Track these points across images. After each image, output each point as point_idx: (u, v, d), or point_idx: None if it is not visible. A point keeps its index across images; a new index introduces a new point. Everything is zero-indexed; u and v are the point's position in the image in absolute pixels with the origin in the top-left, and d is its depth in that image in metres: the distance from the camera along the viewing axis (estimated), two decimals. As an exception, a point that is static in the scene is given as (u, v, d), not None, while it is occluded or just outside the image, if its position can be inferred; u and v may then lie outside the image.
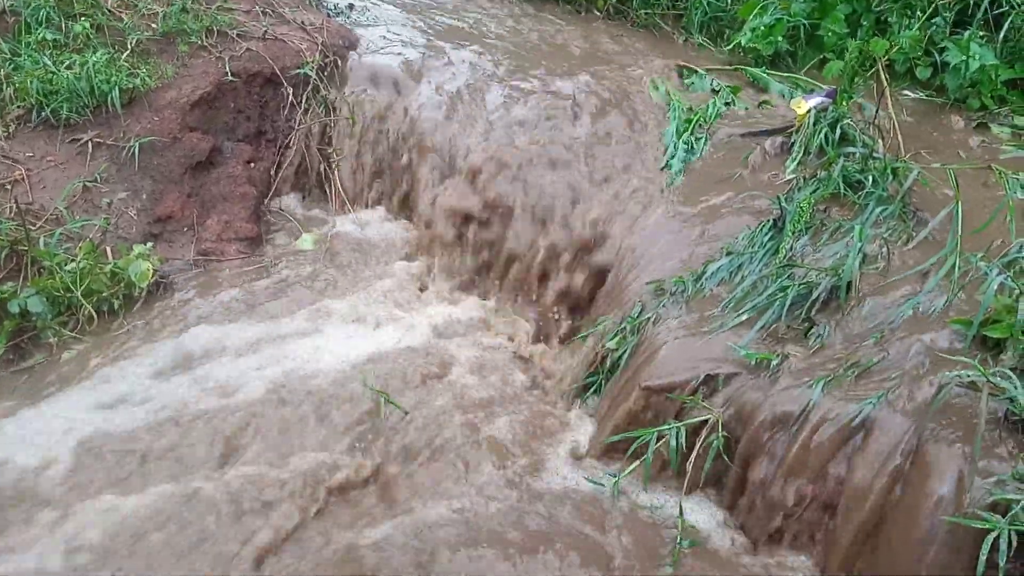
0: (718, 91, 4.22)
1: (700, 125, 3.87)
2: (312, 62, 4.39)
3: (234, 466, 2.80)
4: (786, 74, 4.44)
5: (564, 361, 3.35)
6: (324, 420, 3.00)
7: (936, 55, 4.14)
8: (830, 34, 4.47)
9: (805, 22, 4.58)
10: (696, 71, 4.45)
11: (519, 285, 3.68)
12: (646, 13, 5.40)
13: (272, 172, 4.32)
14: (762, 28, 4.60)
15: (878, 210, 3.00)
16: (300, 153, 4.35)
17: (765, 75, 4.39)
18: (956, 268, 2.66)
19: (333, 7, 5.20)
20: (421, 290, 3.82)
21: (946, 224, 2.89)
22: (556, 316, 3.54)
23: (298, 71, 4.36)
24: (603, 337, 3.07)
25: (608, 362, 3.02)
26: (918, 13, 4.19)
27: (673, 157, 3.70)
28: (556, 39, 5.05)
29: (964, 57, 3.97)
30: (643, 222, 3.43)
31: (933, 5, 4.16)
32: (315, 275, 3.84)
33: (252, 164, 4.27)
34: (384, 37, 4.82)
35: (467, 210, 3.80)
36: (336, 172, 4.35)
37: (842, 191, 3.14)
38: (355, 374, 3.18)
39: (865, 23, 4.42)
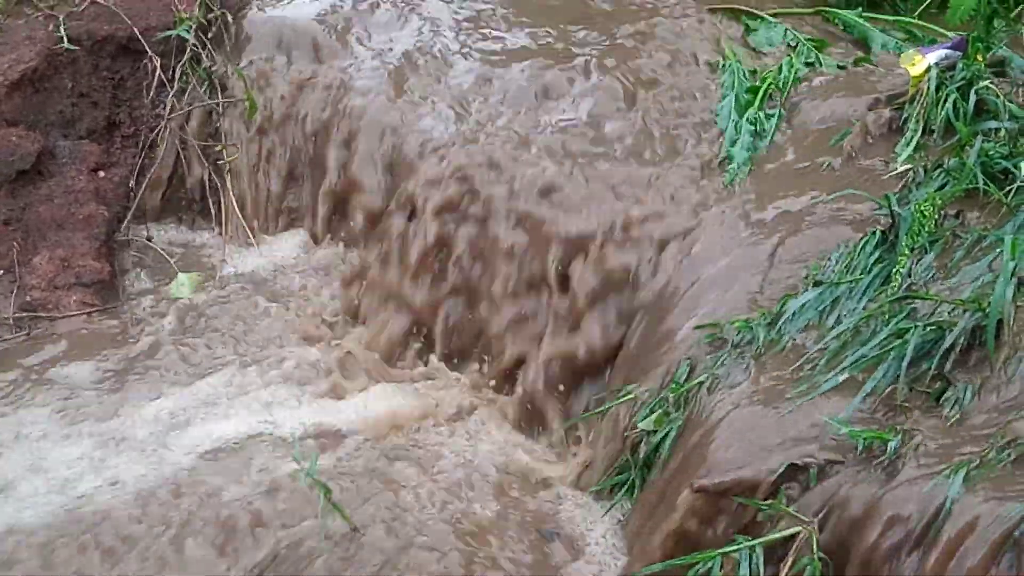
0: (795, 46, 4.27)
1: (771, 96, 3.90)
2: (189, 19, 4.42)
3: None
4: (892, 18, 4.49)
5: (572, 455, 3.35)
6: None
7: (1113, -15, 4.20)
8: (955, -42, 4.54)
9: (919, -60, 4.66)
10: (761, 17, 4.50)
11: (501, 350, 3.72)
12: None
13: (132, 183, 4.32)
14: (856, -51, 4.67)
15: (1037, 212, 3.02)
16: (174, 153, 4.37)
17: (861, 20, 4.44)
18: None
19: (221, -63, 5.26)
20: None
21: None
22: (557, 390, 3.56)
23: (169, 33, 4.40)
24: (633, 414, 3.06)
25: (643, 451, 3.01)
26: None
27: (734, 144, 3.72)
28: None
29: None
30: (691, 240, 3.45)
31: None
32: (193, 344, 3.84)
33: (102, 172, 4.27)
34: (296, -20, 4.87)
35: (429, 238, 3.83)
36: (228, 179, 4.36)
37: (982, 186, 3.15)
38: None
39: (1006, -60, 4.50)
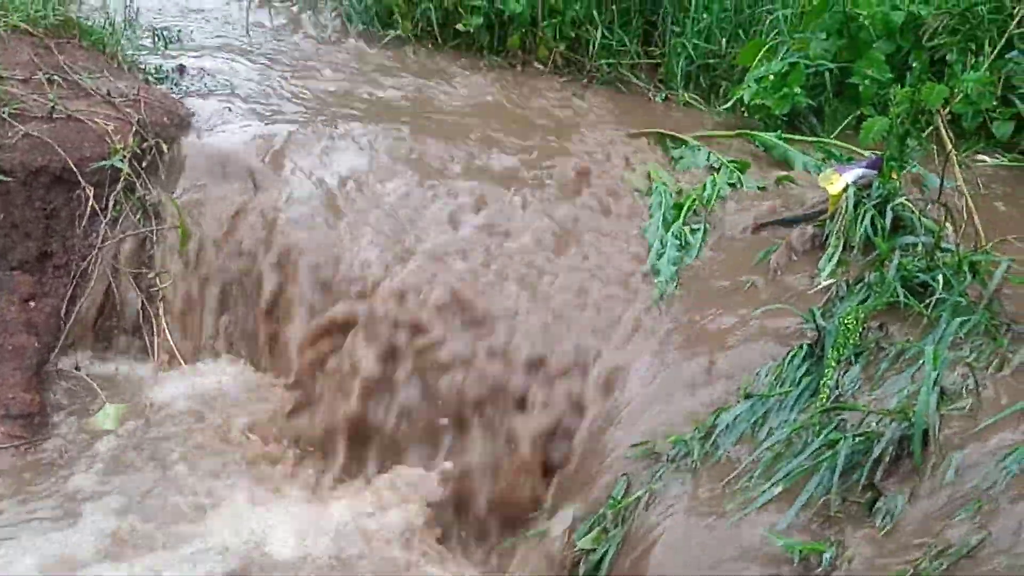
0: (718, 168, 4.40)
1: (695, 212, 4.01)
2: (123, 149, 4.45)
3: None
4: (811, 139, 4.65)
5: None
6: None
7: (1018, 103, 4.40)
8: (867, 82, 4.73)
9: (832, 66, 4.85)
10: (685, 141, 4.65)
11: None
12: (609, 64, 5.67)
13: (63, 313, 4.29)
14: (772, 78, 4.86)
15: (955, 324, 3.09)
16: (106, 283, 4.35)
17: (780, 142, 4.60)
18: (1076, 400, 2.74)
19: (155, 70, 5.32)
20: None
21: (1054, 338, 2.99)
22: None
23: (103, 163, 4.42)
24: (570, 532, 3.06)
25: (582, 571, 2.99)
26: (986, 48, 4.48)
27: (661, 258, 3.80)
28: (481, 104, 5.23)
29: (1055, 105, 4.23)
30: (621, 357, 3.48)
31: (1006, 34, 4.44)
32: (111, 482, 3.77)
33: (33, 303, 4.24)
34: (231, 109, 4.93)
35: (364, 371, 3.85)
36: (161, 307, 4.35)
37: (902, 299, 3.24)
38: None
39: (915, 64, 4.70)
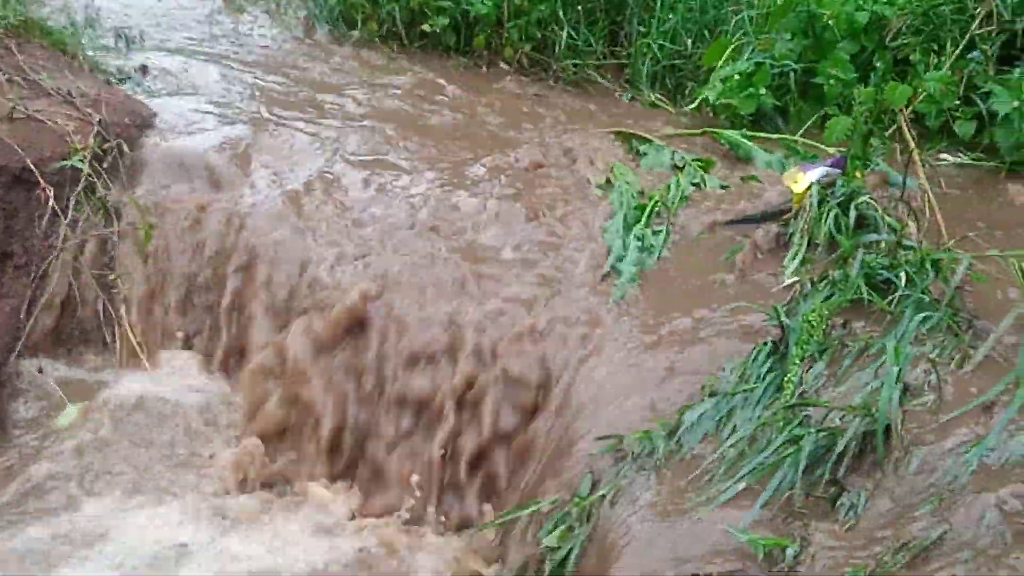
0: (682, 167, 4.41)
1: (658, 213, 4.01)
2: (84, 150, 4.42)
3: None
4: (776, 136, 4.68)
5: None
6: None
7: (980, 102, 4.44)
8: (832, 81, 4.76)
9: (796, 67, 4.89)
10: (649, 140, 4.66)
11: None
12: (575, 65, 5.68)
13: (22, 314, 4.25)
14: (737, 78, 4.88)
15: (918, 320, 3.12)
16: (66, 283, 4.32)
17: (745, 141, 4.62)
18: (1035, 396, 2.76)
19: (117, 71, 5.29)
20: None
21: (1015, 335, 3.01)
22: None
23: (63, 164, 4.39)
24: (537, 529, 3.05)
25: (548, 568, 2.99)
26: (948, 47, 4.52)
27: (621, 260, 3.80)
28: (447, 106, 5.23)
29: (1017, 103, 4.26)
30: (584, 357, 3.49)
31: (968, 35, 4.48)
32: (77, 479, 3.76)
33: (-8, 304, 4.20)
34: (195, 110, 4.92)
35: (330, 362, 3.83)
36: (123, 308, 4.32)
37: (865, 296, 3.26)
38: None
39: (879, 64, 4.74)
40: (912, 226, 3.59)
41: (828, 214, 3.63)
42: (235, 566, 3.43)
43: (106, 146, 4.51)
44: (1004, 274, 3.38)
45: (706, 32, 5.44)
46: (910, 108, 4.26)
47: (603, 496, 2.97)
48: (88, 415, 3.99)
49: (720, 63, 5.03)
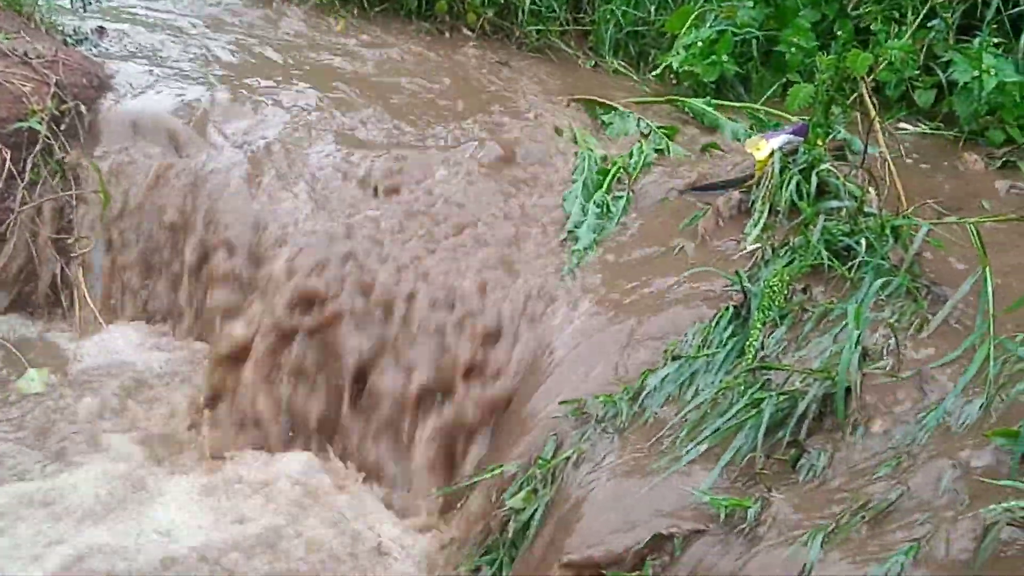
0: (647, 133, 4.43)
1: (619, 180, 4.03)
2: (41, 111, 4.38)
3: None
4: (739, 104, 4.71)
5: (440, 535, 3.35)
6: None
7: (940, 72, 4.48)
8: (793, 49, 4.79)
9: (759, 35, 4.91)
10: (614, 107, 4.67)
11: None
12: (537, 31, 5.67)
13: (-19, 278, 4.23)
14: (700, 45, 4.90)
15: (877, 285, 3.16)
16: (24, 248, 4.29)
17: (708, 108, 4.65)
18: (991, 360, 2.80)
19: (73, 31, 5.24)
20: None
21: (972, 300, 3.05)
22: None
23: (19, 125, 4.34)
24: (501, 492, 3.08)
25: (511, 529, 3.01)
26: (909, 16, 4.56)
27: (580, 226, 3.82)
28: (408, 71, 5.22)
29: (976, 73, 4.31)
30: (548, 321, 3.51)
31: (928, 3, 4.52)
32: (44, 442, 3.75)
33: (-51, 268, 4.17)
34: (152, 72, 4.88)
35: (284, 327, 3.83)
36: (82, 272, 4.30)
37: (826, 262, 3.30)
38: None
39: (840, 33, 4.76)
40: (872, 193, 3.62)
41: (790, 181, 3.66)
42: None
43: (63, 108, 4.48)
44: (963, 240, 3.42)
45: (669, -1, 5.45)
46: (871, 77, 4.29)
47: (567, 458, 3.01)
48: (47, 379, 3.98)
49: (683, 30, 5.04)
